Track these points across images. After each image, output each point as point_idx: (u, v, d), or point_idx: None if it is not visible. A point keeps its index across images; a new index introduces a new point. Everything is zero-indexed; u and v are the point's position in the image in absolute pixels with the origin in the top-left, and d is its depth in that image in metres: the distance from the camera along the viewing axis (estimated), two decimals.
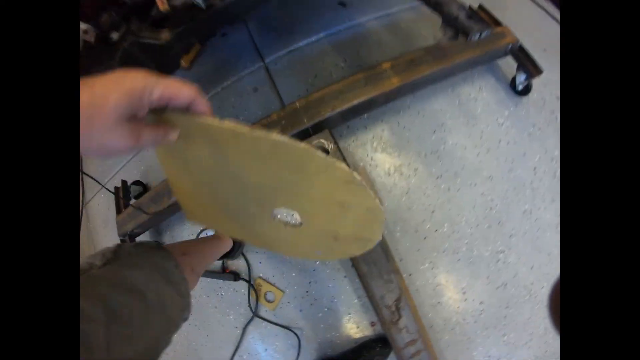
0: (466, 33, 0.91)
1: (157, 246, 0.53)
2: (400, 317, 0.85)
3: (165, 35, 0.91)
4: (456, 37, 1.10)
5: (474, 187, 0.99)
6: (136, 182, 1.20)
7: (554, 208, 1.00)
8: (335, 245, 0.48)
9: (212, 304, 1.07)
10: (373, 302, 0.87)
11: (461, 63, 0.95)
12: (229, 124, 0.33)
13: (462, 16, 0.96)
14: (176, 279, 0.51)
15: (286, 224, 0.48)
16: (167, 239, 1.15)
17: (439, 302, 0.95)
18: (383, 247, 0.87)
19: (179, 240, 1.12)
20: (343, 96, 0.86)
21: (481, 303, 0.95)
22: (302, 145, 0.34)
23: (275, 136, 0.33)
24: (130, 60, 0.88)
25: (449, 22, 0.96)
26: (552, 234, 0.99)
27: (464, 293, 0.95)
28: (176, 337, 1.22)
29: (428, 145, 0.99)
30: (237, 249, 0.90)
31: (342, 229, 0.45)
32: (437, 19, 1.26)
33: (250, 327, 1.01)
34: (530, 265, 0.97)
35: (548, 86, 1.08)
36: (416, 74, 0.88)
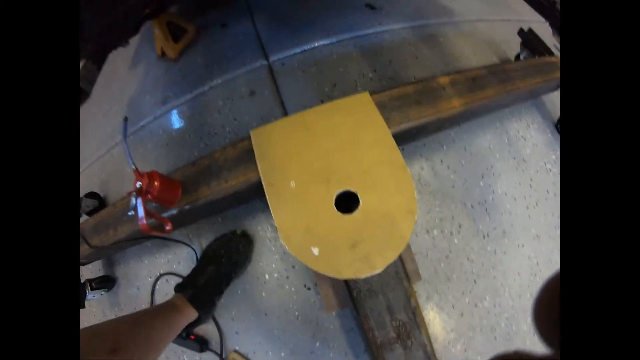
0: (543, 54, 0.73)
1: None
2: None
3: None
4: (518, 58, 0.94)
5: (521, 249, 0.79)
6: (90, 194, 0.91)
7: None
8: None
9: None
10: None
11: (523, 91, 0.76)
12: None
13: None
14: None
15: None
16: (119, 273, 0.87)
17: None
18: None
19: (131, 279, 0.84)
20: (386, 115, 0.63)
21: None
22: None
23: None
24: None
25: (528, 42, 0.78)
26: None
27: None
28: None
29: (475, 194, 0.79)
30: (203, 318, 0.64)
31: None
32: (480, 38, 1.08)
33: None
34: None
35: None
36: (481, 96, 0.67)
